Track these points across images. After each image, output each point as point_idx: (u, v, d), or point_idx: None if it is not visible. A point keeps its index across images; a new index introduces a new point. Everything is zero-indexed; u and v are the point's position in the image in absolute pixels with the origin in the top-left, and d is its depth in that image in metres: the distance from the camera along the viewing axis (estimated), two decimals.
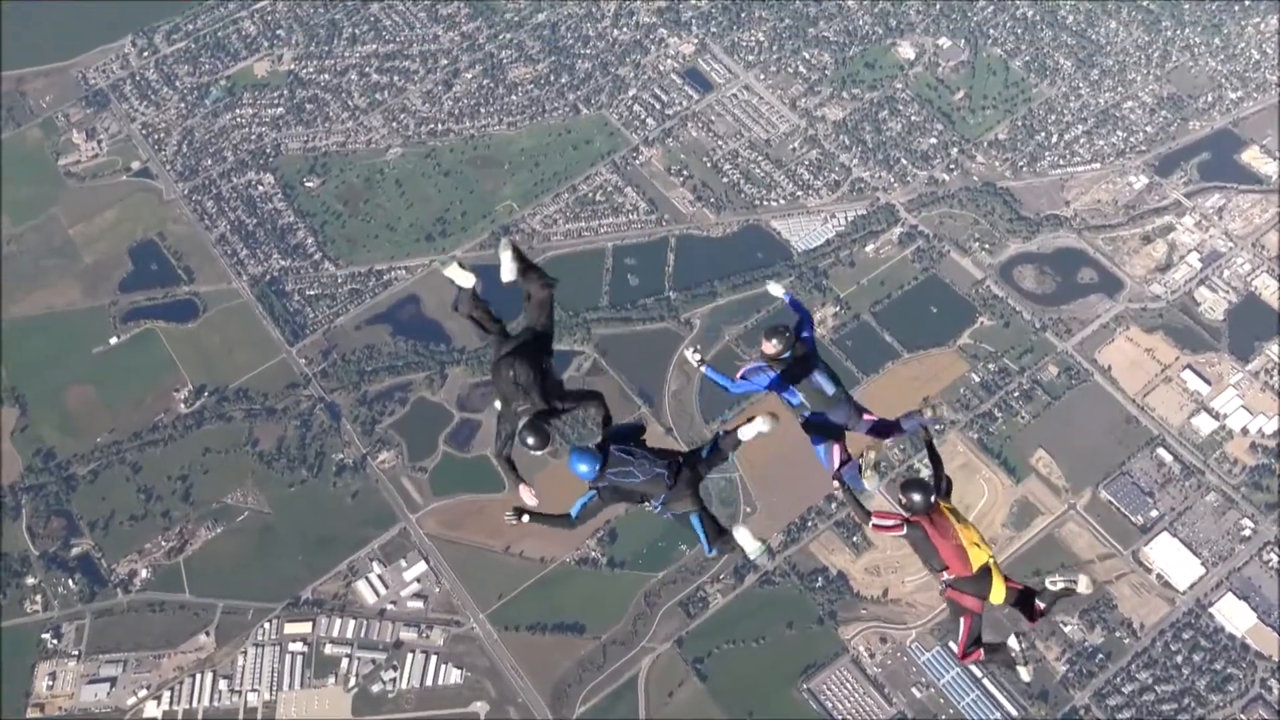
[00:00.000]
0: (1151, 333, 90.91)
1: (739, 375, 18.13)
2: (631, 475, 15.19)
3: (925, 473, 18.41)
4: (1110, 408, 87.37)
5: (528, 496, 16.00)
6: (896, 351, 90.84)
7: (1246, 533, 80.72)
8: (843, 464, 17.75)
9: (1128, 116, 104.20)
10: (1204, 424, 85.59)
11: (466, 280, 15.83)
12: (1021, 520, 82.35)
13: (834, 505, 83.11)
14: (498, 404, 15.81)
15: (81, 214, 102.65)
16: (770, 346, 17.69)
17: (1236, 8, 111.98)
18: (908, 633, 78.17)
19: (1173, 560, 79.72)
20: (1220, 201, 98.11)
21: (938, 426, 18.43)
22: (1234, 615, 77.15)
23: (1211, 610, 77.66)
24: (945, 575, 17.21)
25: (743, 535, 15.64)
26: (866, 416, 18.35)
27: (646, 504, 15.49)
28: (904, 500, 16.85)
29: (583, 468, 15.18)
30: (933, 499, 16.77)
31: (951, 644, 70.97)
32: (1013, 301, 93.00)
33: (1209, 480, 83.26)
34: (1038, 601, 17.63)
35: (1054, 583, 17.79)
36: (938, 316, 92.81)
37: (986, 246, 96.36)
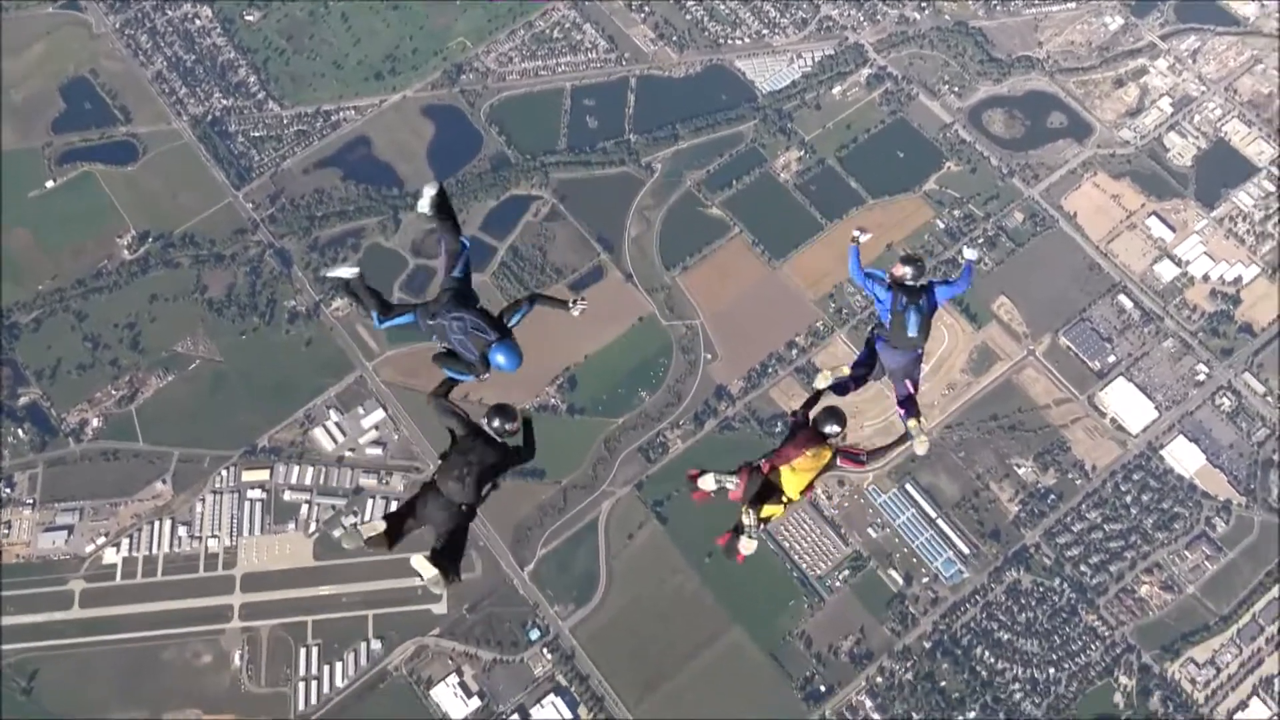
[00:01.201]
0: (1119, 179, 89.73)
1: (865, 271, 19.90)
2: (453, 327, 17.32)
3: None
4: (1074, 254, 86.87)
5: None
6: (861, 197, 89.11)
7: (1201, 377, 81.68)
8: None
9: None
10: (1166, 271, 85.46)
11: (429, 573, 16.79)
12: (980, 366, 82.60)
13: (794, 352, 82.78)
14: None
15: (7, 48, 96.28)
16: (899, 270, 19.66)
17: None
18: (865, 476, 78.98)
19: (1127, 404, 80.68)
20: (1196, 44, 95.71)
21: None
22: (1184, 457, 78.67)
23: (1162, 453, 79.12)
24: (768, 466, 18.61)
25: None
26: (909, 384, 19.77)
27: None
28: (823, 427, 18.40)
29: (500, 358, 17.12)
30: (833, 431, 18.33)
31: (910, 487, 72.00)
32: (980, 146, 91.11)
33: (1168, 326, 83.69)
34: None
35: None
36: (904, 162, 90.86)
37: (956, 89, 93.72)
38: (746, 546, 18.28)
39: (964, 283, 20.36)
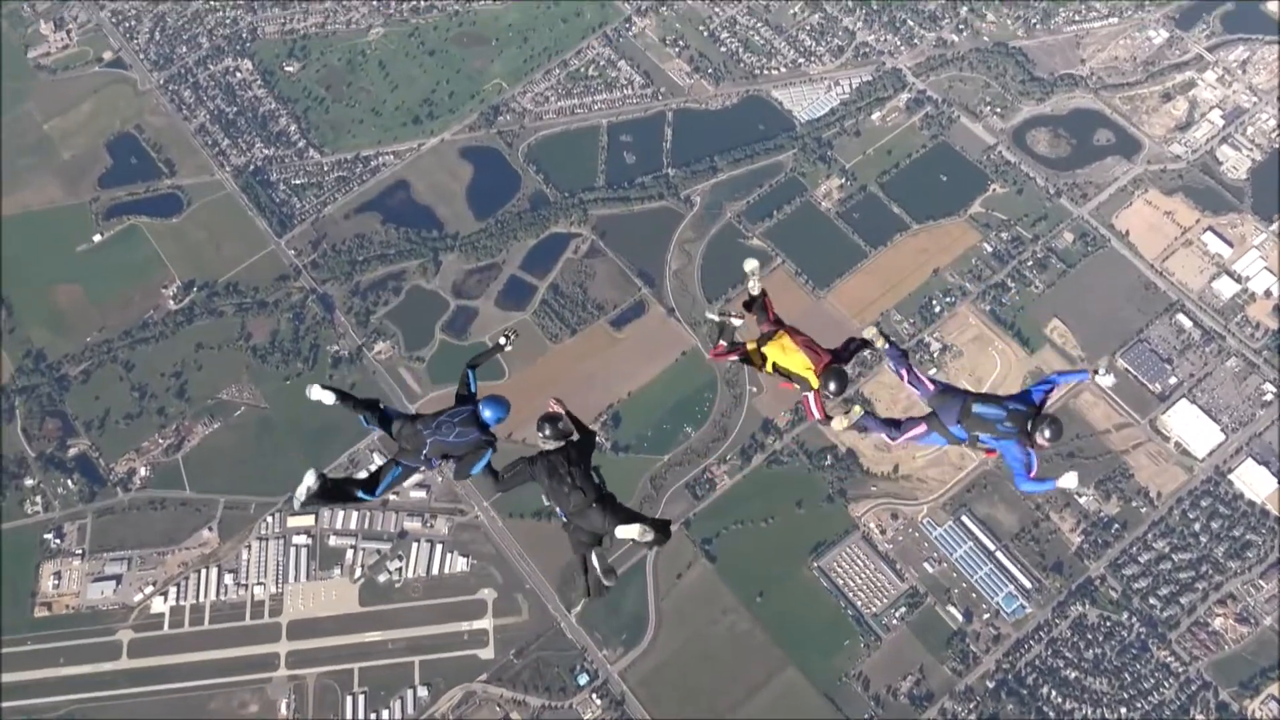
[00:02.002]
0: (1171, 195, 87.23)
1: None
2: (452, 419, 17.15)
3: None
4: (1128, 274, 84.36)
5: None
6: (905, 223, 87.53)
7: (1268, 397, 78.49)
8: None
9: None
10: (1225, 288, 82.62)
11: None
12: None
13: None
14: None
15: (56, 108, 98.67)
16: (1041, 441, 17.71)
17: None
18: (919, 508, 76.77)
19: (1191, 427, 77.70)
20: (1244, 54, 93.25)
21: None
22: (1254, 481, 75.43)
23: (1231, 477, 75.94)
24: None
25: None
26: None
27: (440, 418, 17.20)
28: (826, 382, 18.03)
29: (485, 410, 17.17)
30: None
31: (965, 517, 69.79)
32: (1026, 167, 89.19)
33: (1230, 345, 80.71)
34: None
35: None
36: (948, 185, 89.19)
37: (998, 110, 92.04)
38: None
39: (1024, 464, 17.75)
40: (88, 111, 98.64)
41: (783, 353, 18.61)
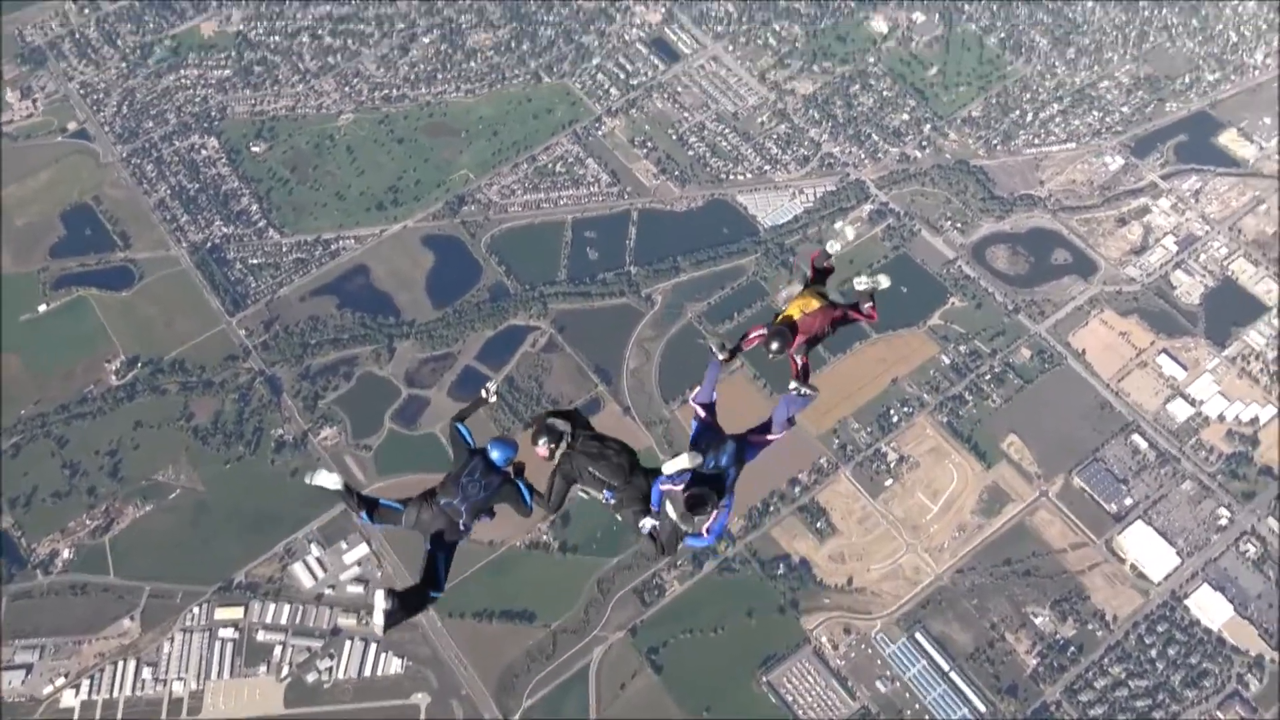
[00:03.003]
0: (1126, 316, 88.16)
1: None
2: (472, 478, 16.02)
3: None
4: (1084, 392, 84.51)
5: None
6: (865, 332, 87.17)
7: (1223, 522, 78.07)
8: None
9: (1104, 96, 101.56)
10: (1180, 410, 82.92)
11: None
12: (992, 507, 79.26)
13: (797, 490, 79.67)
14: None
15: (13, 175, 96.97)
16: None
17: None
18: (873, 623, 74.80)
19: (1147, 550, 76.95)
20: (1197, 184, 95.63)
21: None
22: (1210, 608, 74.43)
23: (1187, 602, 74.94)
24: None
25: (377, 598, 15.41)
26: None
27: (440, 486, 16.11)
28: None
29: (492, 452, 16.12)
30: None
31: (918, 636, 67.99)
32: (985, 282, 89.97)
33: (1185, 468, 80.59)
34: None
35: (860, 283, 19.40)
36: (908, 296, 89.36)
37: (959, 225, 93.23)
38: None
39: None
40: (46, 180, 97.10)
41: (800, 307, 18.58)
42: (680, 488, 16.11)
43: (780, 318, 18.59)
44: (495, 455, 16.10)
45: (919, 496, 79.91)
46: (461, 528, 15.96)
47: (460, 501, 15.84)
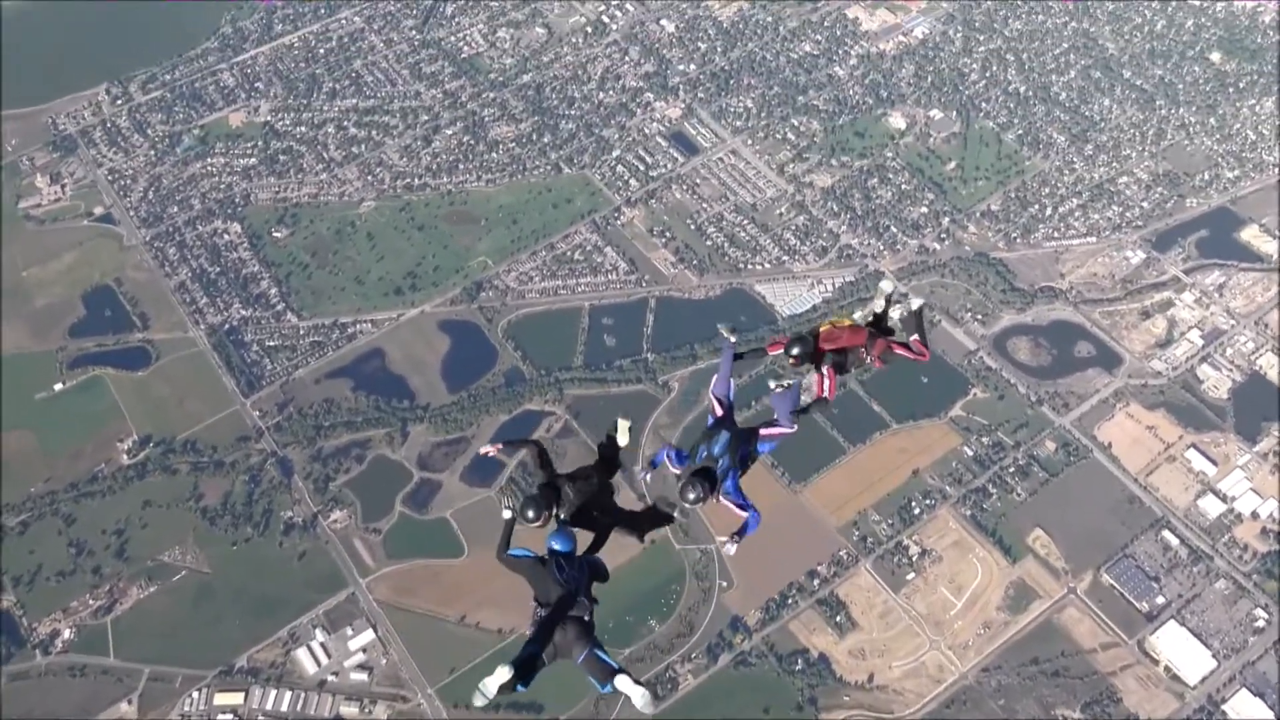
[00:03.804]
0: (1153, 410, 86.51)
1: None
2: (561, 574, 15.30)
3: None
4: (1111, 487, 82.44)
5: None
6: (885, 422, 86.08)
7: (1260, 623, 75.03)
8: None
9: (1123, 192, 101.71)
10: (1211, 506, 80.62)
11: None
12: (1018, 604, 76.61)
13: (816, 582, 77.35)
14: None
15: (36, 257, 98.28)
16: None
17: (1231, 89, 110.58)
18: None
19: (1182, 651, 73.83)
20: (1220, 279, 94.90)
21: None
22: (1249, 713, 70.94)
23: (1225, 707, 71.54)
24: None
25: (624, 683, 14.52)
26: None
27: (536, 606, 15.26)
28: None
29: (556, 545, 15.60)
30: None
31: None
32: (1007, 374, 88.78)
33: (1218, 566, 77.91)
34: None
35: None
36: (929, 387, 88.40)
37: (979, 317, 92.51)
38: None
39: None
40: (69, 262, 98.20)
41: (832, 323, 18.24)
42: (677, 471, 16.17)
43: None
44: (560, 546, 15.66)
45: (942, 591, 77.39)
46: (589, 609, 15.41)
47: (586, 599, 15.32)
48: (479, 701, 14.31)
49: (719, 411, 17.04)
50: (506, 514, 16.21)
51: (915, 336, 18.86)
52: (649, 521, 17.76)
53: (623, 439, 17.54)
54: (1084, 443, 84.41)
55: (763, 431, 16.98)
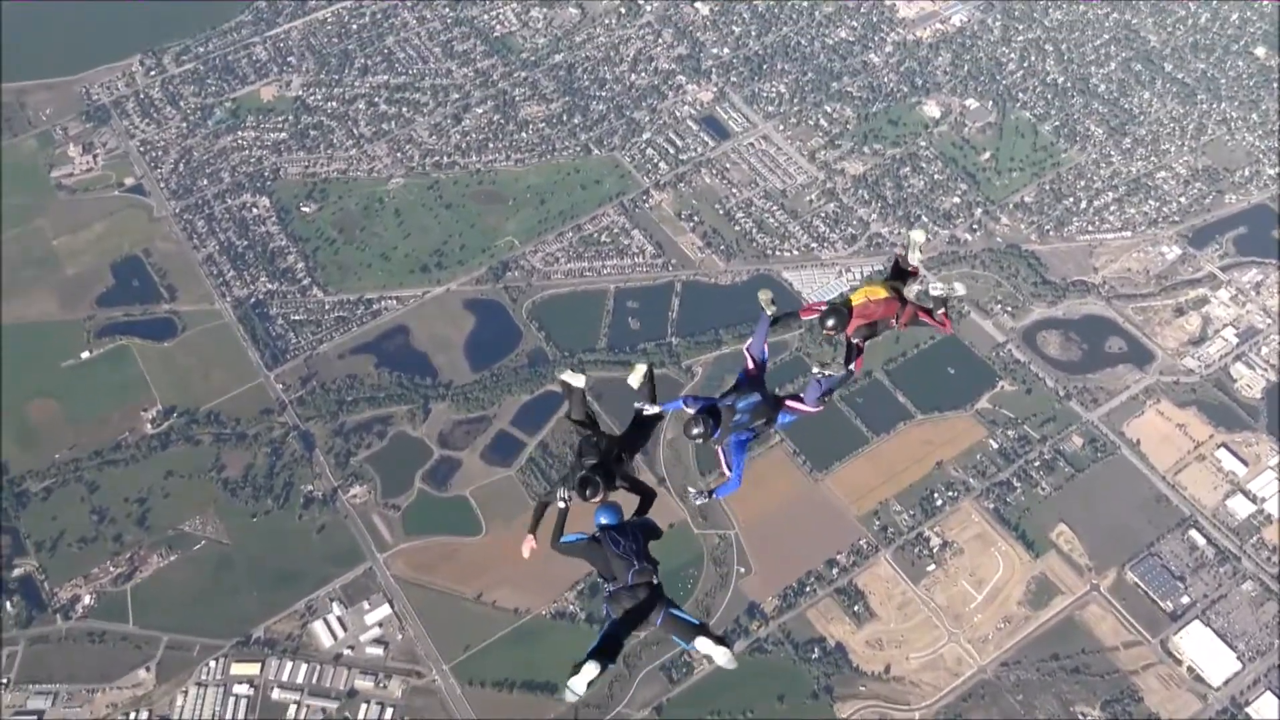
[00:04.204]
0: (1184, 408, 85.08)
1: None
2: (618, 547, 15.60)
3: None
4: (1138, 484, 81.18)
5: (526, 548, 16.88)
6: (909, 412, 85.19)
7: None
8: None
9: (1160, 186, 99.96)
10: (1240, 507, 79.23)
11: (578, 380, 17.44)
12: (1039, 599, 75.67)
13: (835, 571, 76.72)
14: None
15: (67, 226, 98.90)
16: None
17: (1276, 85, 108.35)
18: (911, 715, 71.02)
19: (1206, 652, 72.68)
20: (1258, 277, 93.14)
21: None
22: (1273, 716, 69.71)
23: (1249, 710, 70.40)
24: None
25: (705, 645, 14.98)
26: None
27: (604, 583, 15.60)
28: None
29: (604, 519, 15.92)
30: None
31: None
32: (1035, 367, 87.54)
33: (1245, 567, 76.61)
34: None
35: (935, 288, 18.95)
36: (955, 378, 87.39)
37: (1009, 309, 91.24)
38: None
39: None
40: (99, 232, 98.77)
41: (866, 293, 18.27)
42: (692, 411, 16.33)
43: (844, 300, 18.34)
44: (608, 520, 15.98)
45: (962, 584, 76.55)
46: (653, 572, 15.61)
47: (640, 565, 15.43)
48: (570, 698, 14.93)
49: (751, 366, 17.44)
50: (561, 504, 16.36)
51: (942, 311, 19.19)
52: (638, 434, 17.49)
53: (633, 380, 17.60)
54: (1112, 439, 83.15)
55: (788, 403, 17.32)
